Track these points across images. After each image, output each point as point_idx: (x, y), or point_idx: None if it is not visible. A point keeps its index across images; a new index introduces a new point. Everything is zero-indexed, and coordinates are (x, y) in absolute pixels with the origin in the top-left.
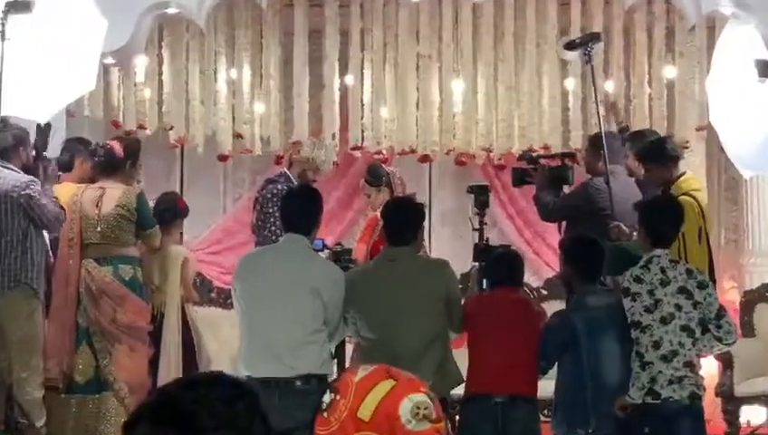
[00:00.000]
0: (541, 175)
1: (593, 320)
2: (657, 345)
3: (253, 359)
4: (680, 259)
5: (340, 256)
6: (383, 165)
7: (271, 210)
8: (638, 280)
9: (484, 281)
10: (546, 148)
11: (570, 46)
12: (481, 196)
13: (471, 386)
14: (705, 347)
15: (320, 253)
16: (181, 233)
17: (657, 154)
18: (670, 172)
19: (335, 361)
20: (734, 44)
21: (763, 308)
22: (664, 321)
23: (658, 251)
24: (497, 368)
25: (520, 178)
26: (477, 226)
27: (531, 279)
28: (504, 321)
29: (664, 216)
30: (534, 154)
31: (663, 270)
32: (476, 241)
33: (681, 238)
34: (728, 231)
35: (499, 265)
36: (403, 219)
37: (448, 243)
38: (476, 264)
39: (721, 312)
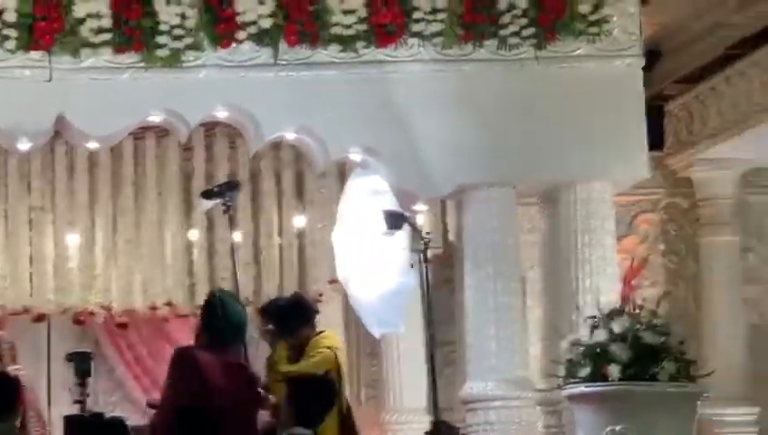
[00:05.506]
0: None
1: None
2: None
3: None
4: None
5: None
6: None
7: None
8: None
9: None
10: (170, 305)
11: (207, 195)
12: (82, 364)
13: None
14: None
15: None
16: None
17: (297, 311)
18: (313, 329)
19: None
20: (360, 194)
21: None
22: None
23: (298, 429)
24: None
25: None
26: (79, 396)
27: None
28: None
29: (315, 395)
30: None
31: None
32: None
33: None
34: (368, 387)
35: None
36: None
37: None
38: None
39: None
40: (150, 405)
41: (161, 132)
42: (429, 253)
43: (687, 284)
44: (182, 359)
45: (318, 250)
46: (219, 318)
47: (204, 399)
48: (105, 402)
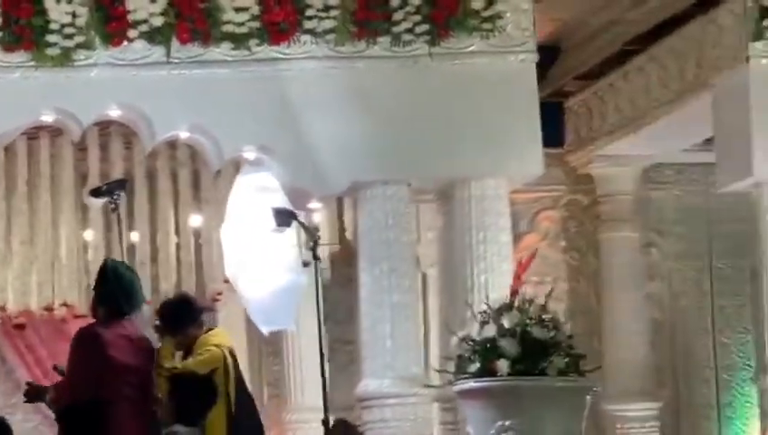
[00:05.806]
0: None
1: None
2: None
3: None
4: None
5: None
6: None
7: None
8: None
9: None
10: (67, 305)
11: (95, 193)
12: None
13: None
14: None
15: None
16: None
17: (183, 310)
18: (200, 328)
19: None
20: (249, 191)
21: None
22: None
23: (177, 427)
24: None
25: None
26: None
27: None
28: None
29: (194, 393)
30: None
31: None
32: None
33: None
34: (271, 386)
35: None
36: None
37: None
38: None
39: None
40: (57, 370)
41: (55, 132)
42: (327, 251)
43: (589, 280)
44: (84, 338)
45: (215, 249)
46: (113, 286)
47: (107, 377)
48: (5, 405)
